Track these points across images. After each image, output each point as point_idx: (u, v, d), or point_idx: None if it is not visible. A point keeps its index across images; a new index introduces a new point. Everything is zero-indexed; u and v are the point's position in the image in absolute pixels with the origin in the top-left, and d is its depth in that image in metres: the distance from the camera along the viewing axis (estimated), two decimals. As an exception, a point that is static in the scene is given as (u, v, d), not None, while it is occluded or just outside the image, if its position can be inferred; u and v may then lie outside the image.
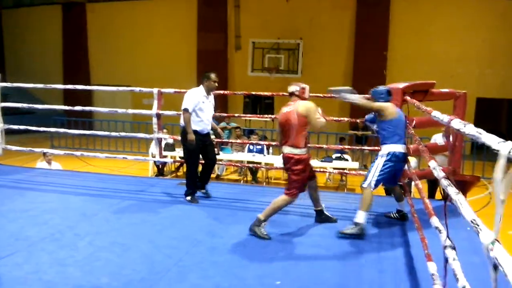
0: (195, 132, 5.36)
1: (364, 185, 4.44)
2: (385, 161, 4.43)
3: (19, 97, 11.49)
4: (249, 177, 10.79)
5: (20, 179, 6.41)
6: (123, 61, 18.72)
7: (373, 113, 4.83)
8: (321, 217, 4.77)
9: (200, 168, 5.75)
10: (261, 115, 9.05)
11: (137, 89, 6.93)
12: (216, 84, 5.54)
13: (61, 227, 4.39)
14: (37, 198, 5.38)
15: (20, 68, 19.85)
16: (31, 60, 20.09)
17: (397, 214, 4.91)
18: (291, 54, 16.17)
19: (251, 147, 10.91)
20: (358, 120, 7.14)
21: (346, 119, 7.53)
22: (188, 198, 5.47)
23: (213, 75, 5.47)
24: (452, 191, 2.28)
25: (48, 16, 20.00)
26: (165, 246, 3.98)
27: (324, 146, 7.31)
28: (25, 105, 7.31)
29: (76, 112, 7.61)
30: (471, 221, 1.86)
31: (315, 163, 10.16)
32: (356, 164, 10.58)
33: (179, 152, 10.65)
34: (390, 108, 4.50)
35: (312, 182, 4.69)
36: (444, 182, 2.50)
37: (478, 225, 1.78)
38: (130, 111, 7.24)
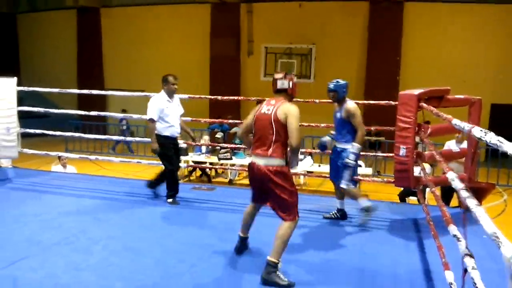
0: (166, 137, 5.44)
1: (345, 186, 4.69)
2: (354, 158, 4.67)
3: (33, 101, 11.65)
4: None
5: (36, 182, 6.47)
6: (137, 66, 18.85)
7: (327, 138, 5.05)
8: (243, 245, 3.93)
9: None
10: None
11: (152, 94, 6.95)
12: (176, 86, 5.54)
13: (75, 231, 4.42)
14: (52, 201, 5.43)
15: (35, 72, 20.08)
16: (45, 64, 20.33)
17: (337, 214, 5.05)
18: (303, 59, 16.17)
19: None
20: (372, 128, 7.09)
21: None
22: (170, 200, 5.50)
23: (171, 78, 5.49)
24: (472, 203, 2.25)
25: (63, 21, 20.22)
26: (177, 251, 3.99)
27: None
28: (41, 109, 7.40)
29: (90, 116, 7.67)
30: (492, 234, 1.84)
31: (328, 168, 10.12)
32: (369, 170, 10.50)
33: (192, 157, 10.68)
34: (358, 110, 4.73)
35: (260, 206, 3.80)
36: (464, 194, 2.46)
37: (499, 238, 1.77)
38: (145, 116, 7.26)
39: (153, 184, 5.81)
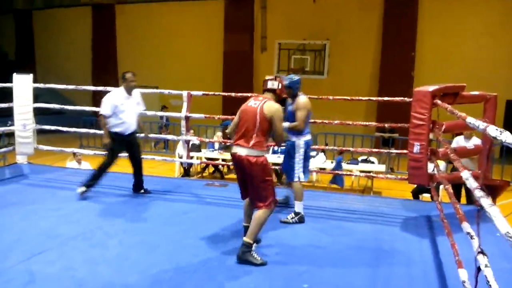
0: (117, 134, 5.46)
1: (295, 180, 4.80)
2: (304, 151, 4.86)
3: (49, 98, 11.78)
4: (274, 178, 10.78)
5: (51, 178, 6.57)
6: (151, 62, 18.95)
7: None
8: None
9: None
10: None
11: (166, 91, 7.02)
12: (134, 83, 5.54)
13: (91, 226, 4.49)
14: (68, 197, 5.51)
15: (50, 68, 20.29)
16: (61, 61, 20.52)
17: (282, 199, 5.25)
18: (317, 55, 16.11)
19: (276, 148, 10.90)
20: (386, 125, 7.07)
21: (373, 123, 7.47)
22: (83, 189, 5.45)
23: (129, 75, 5.50)
24: (486, 202, 2.24)
25: (78, 18, 20.39)
26: (192, 246, 4.03)
27: (351, 149, 7.25)
28: (56, 106, 7.49)
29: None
30: (506, 233, 1.84)
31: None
32: (382, 167, 10.45)
33: (205, 153, 10.74)
34: (309, 104, 4.87)
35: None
36: (478, 193, 2.46)
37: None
38: (159, 113, 7.33)
39: (135, 187, 5.81)
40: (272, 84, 3.91)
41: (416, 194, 7.81)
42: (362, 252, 4.04)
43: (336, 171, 8.43)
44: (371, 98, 7.73)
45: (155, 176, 7.67)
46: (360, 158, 10.71)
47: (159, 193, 5.89)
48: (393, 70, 15.34)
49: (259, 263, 3.60)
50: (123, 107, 5.43)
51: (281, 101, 4.03)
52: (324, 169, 10.08)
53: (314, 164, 10.20)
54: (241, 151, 3.73)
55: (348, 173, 8.12)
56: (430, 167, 5.01)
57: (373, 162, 10.65)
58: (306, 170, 4.95)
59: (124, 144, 5.57)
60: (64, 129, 7.38)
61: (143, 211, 5.10)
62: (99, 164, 5.57)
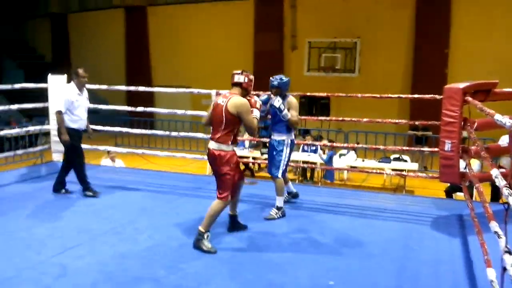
0: (74, 130, 5.46)
1: (279, 176, 4.88)
2: (290, 150, 4.98)
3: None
4: (298, 177, 10.77)
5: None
6: (183, 63, 19.19)
7: (266, 95, 5.08)
8: (233, 224, 4.39)
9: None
10: (316, 117, 9.02)
11: (196, 90, 7.12)
12: (86, 79, 5.57)
13: (122, 222, 4.61)
14: (101, 194, 5.66)
15: (85, 70, 20.74)
16: (95, 62, 20.98)
17: (289, 196, 5.38)
18: (348, 53, 15.93)
19: (306, 147, 10.88)
20: (417, 123, 6.95)
21: (403, 121, 7.36)
22: (89, 193, 5.50)
23: (80, 71, 5.53)
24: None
25: (112, 20, 20.84)
26: (220, 242, 4.08)
27: (382, 147, 7.17)
28: (91, 105, 7.68)
29: (138, 112, 7.92)
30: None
31: (372, 163, 10.02)
32: (415, 166, 10.28)
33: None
34: (297, 103, 4.95)
35: (240, 182, 4.21)
36: (506, 192, 2.41)
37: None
38: (189, 112, 7.43)
39: (59, 185, 5.72)
40: (238, 78, 4.03)
41: (449, 193, 7.66)
42: (390, 250, 4.00)
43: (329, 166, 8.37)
44: (401, 95, 7.59)
45: (186, 173, 7.79)
46: (392, 157, 10.57)
47: (190, 190, 5.98)
48: (426, 68, 15.03)
49: (207, 249, 3.83)
50: (77, 104, 5.46)
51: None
52: (355, 167, 10.01)
53: (345, 162, 10.14)
54: (211, 145, 3.99)
55: (379, 171, 8.01)
56: (462, 165, 4.91)
57: (405, 161, 10.49)
58: (286, 168, 5.06)
59: (79, 140, 5.56)
60: (98, 127, 7.56)
61: (173, 208, 5.20)
62: (75, 169, 5.58)
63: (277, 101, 4.80)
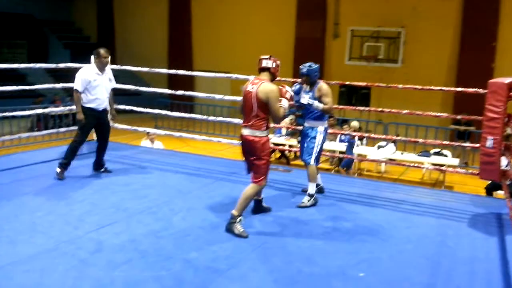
0: (90, 109, 5.47)
1: (311, 162, 4.89)
2: (323, 137, 4.98)
3: (127, 79, 12.32)
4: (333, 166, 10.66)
5: (125, 155, 6.92)
6: (223, 48, 19.23)
7: (298, 85, 5.01)
8: (258, 207, 4.52)
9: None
10: (355, 107, 8.88)
11: (234, 76, 7.14)
12: (108, 60, 5.51)
13: (158, 202, 4.72)
14: (139, 174, 5.81)
15: (129, 52, 21.18)
16: (138, 45, 21.36)
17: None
18: (391, 43, 15.56)
19: (343, 137, 10.76)
20: (459, 117, 6.74)
21: (445, 114, 7.15)
22: (58, 170, 5.43)
23: (102, 51, 5.47)
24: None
25: (155, 4, 21.07)
26: (252, 227, 4.12)
27: (420, 140, 7.00)
28: (132, 87, 7.86)
29: (178, 95, 8.03)
30: None
31: (412, 157, 9.81)
32: (456, 161, 9.99)
33: (272, 138, 10.82)
34: (328, 89, 4.86)
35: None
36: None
37: None
38: (227, 97, 7.48)
39: (96, 165, 5.84)
40: (267, 63, 4.05)
41: (490, 190, 7.43)
42: (424, 246, 3.94)
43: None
44: (443, 88, 7.36)
45: (223, 158, 7.87)
46: (432, 151, 10.31)
47: (225, 174, 6.05)
48: (472, 61, 14.49)
49: (239, 233, 3.88)
50: (95, 83, 5.49)
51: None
52: (393, 160, 9.83)
53: (383, 154, 9.98)
54: (244, 131, 4.05)
55: (417, 165, 7.83)
56: (504, 163, 4.75)
57: (446, 155, 10.21)
58: (319, 156, 5.03)
59: (95, 120, 5.61)
60: (138, 109, 7.72)
61: (208, 191, 5.27)
62: (71, 143, 5.61)
63: (304, 99, 4.80)
